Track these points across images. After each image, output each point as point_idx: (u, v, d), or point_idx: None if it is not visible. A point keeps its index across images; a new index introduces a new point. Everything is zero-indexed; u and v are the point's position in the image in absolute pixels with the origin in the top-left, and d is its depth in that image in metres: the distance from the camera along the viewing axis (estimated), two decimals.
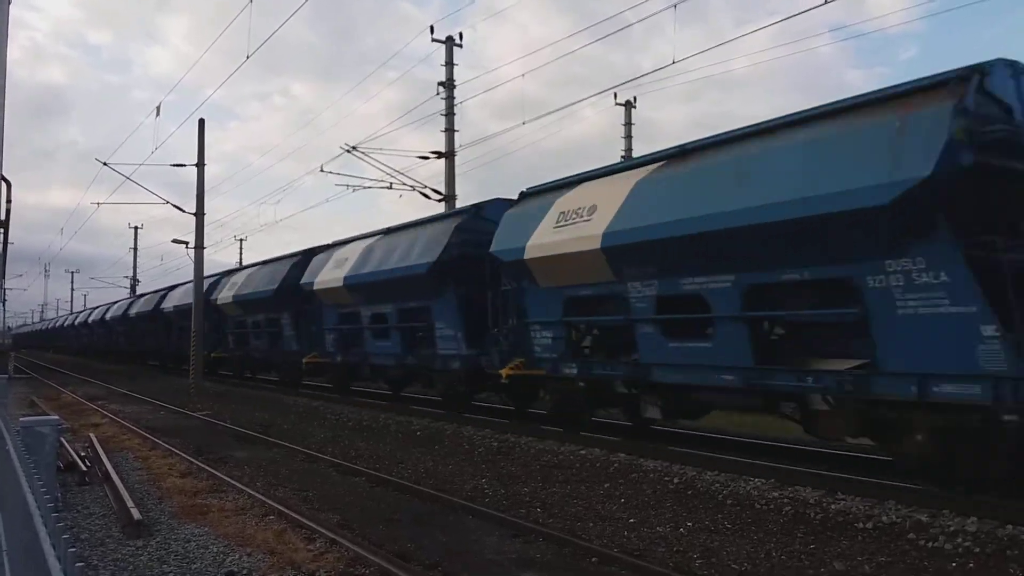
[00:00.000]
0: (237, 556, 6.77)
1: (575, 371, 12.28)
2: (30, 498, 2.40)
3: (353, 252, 19.21)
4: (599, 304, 11.97)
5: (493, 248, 13.48)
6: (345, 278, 18.73)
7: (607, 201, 11.28)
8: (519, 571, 6.39)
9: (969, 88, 7.58)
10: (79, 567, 1.60)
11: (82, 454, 11.63)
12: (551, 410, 13.36)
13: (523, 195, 14.05)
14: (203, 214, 26.62)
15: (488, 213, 15.19)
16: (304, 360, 21.73)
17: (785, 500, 8.19)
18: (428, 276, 15.35)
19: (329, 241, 22.15)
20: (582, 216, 11.61)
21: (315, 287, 20.32)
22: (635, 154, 30.30)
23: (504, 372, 13.32)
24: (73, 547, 1.72)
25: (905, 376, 7.88)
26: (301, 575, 6.18)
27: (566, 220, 11.91)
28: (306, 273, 21.50)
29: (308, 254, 22.85)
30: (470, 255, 14.80)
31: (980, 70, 7.75)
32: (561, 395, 12.94)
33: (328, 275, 19.77)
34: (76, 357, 56.31)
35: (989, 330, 7.21)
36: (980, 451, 7.62)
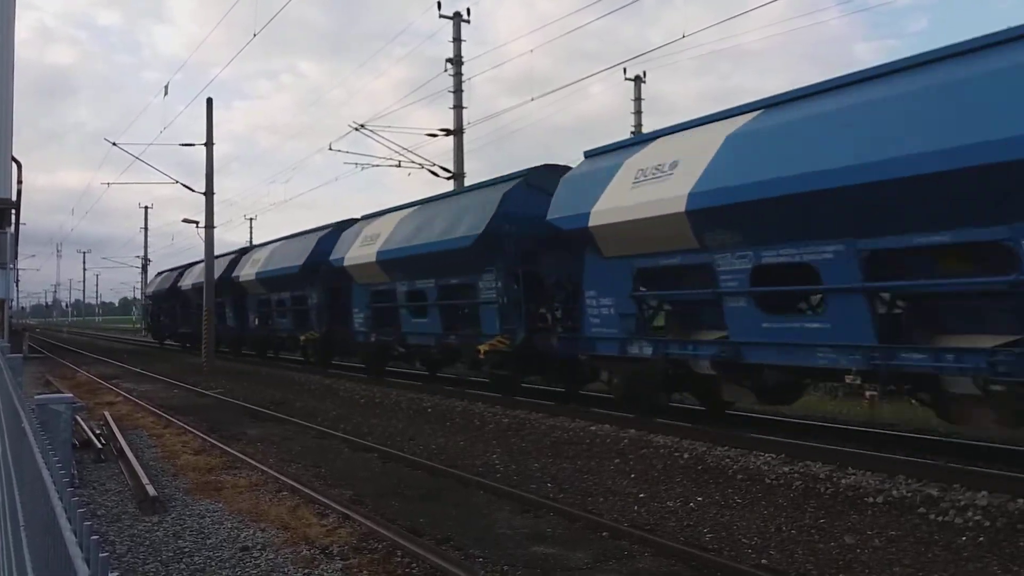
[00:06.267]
0: (251, 531, 6.84)
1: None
2: (46, 474, 2.42)
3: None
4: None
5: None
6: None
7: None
8: (530, 545, 6.43)
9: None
10: (95, 540, 1.61)
11: (97, 432, 11.76)
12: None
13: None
14: (212, 193, 26.67)
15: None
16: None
17: (795, 475, 8.20)
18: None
19: (335, 220, 22.34)
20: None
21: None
22: (644, 131, 30.09)
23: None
24: (89, 521, 1.73)
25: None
26: (315, 550, 6.24)
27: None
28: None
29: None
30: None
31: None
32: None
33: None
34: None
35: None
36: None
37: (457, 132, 24.55)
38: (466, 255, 14.44)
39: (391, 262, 17.32)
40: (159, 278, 43.36)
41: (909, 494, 7.24)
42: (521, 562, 6.00)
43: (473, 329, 15.16)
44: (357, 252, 18.89)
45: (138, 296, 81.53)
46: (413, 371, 20.81)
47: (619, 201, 10.86)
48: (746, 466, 8.71)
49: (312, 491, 8.07)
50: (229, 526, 7.04)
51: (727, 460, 9.01)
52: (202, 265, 29.14)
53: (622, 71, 30.86)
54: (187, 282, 34.61)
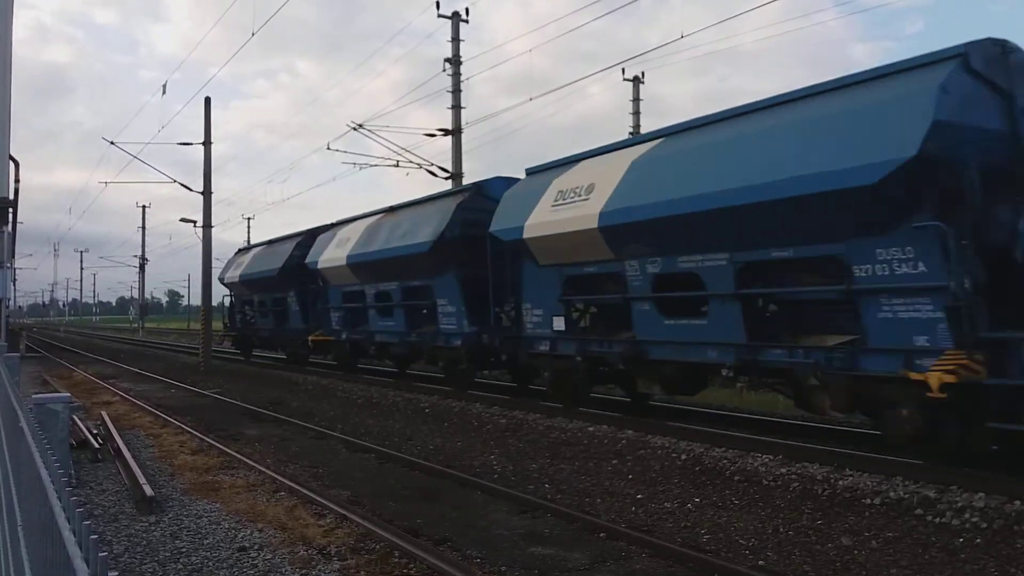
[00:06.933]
0: (248, 532, 6.84)
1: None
2: (44, 474, 2.42)
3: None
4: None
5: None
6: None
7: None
8: (528, 546, 6.44)
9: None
10: (94, 540, 1.61)
11: (94, 431, 11.74)
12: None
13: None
14: (210, 193, 26.62)
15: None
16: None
17: (793, 476, 8.21)
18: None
19: (334, 220, 22.26)
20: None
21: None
22: (643, 130, 30.12)
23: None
24: (88, 521, 1.73)
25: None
26: (312, 550, 6.24)
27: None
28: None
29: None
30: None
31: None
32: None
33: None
34: None
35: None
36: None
37: (455, 132, 24.52)
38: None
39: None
40: (249, 255, 27.50)
41: (906, 496, 7.25)
42: (519, 563, 6.00)
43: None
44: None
45: (135, 295, 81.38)
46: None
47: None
48: (743, 467, 8.71)
49: (310, 491, 8.07)
50: (226, 526, 7.03)
51: (724, 461, 9.01)
52: (350, 228, 20.60)
53: (620, 71, 30.95)
54: (327, 256, 20.37)
